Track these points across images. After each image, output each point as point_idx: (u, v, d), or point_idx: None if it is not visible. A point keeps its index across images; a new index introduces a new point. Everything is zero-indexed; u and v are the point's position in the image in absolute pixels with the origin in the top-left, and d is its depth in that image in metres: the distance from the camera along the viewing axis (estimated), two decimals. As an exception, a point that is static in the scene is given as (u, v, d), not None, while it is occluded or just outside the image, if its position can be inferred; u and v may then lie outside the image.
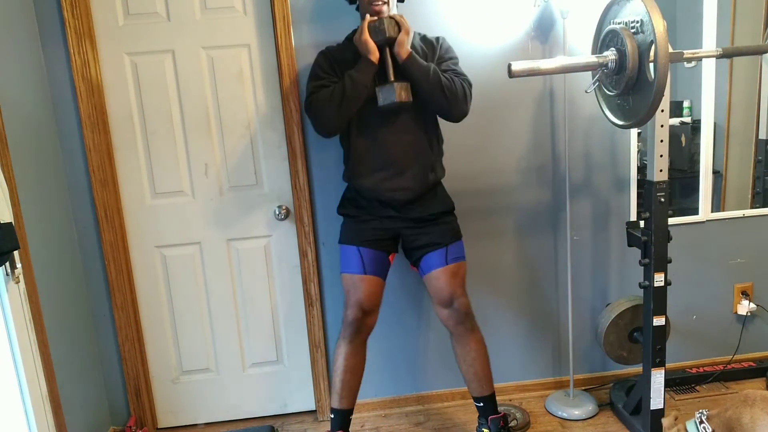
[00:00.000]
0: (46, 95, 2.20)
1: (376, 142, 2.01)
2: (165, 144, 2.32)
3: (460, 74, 2.00)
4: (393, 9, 1.99)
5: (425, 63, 1.93)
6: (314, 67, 2.05)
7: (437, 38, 2.09)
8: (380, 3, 1.92)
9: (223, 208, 2.39)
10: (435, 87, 1.91)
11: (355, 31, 2.02)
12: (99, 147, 2.25)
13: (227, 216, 2.39)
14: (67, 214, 2.29)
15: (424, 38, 2.07)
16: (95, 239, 2.33)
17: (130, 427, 2.41)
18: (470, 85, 2.01)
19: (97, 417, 2.39)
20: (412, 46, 1.94)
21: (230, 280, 2.45)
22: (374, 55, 1.89)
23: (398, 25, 1.90)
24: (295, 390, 2.56)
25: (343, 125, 2.00)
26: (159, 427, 2.54)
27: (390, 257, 2.12)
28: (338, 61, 2.01)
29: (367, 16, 1.91)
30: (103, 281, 2.36)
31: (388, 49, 1.92)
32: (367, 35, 1.89)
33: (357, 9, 2.05)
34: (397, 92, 1.87)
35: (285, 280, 2.46)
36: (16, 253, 1.76)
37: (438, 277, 2.03)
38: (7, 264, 1.74)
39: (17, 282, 1.79)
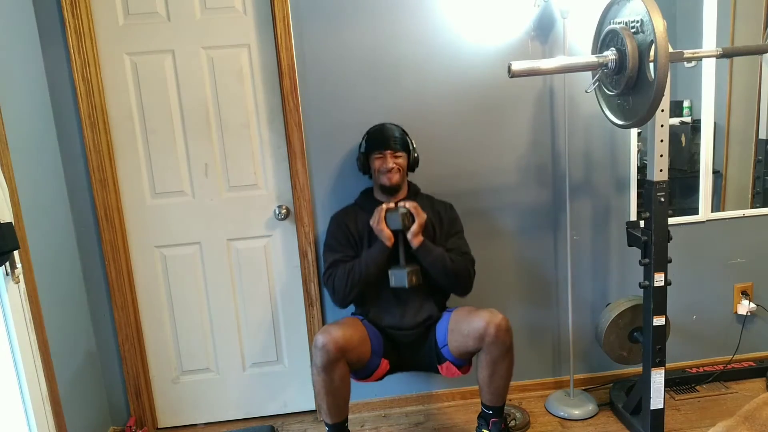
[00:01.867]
0: (46, 95, 2.20)
1: (386, 306, 2.13)
2: (165, 144, 2.32)
3: (465, 253, 2.16)
4: (404, 182, 2.17)
5: (434, 251, 2.07)
6: (329, 237, 2.21)
7: (445, 207, 2.23)
8: (391, 176, 2.09)
9: (223, 208, 2.39)
10: (442, 272, 2.07)
11: (365, 193, 2.24)
12: (99, 147, 2.25)
13: (227, 216, 2.39)
14: (67, 214, 2.29)
15: (432, 206, 2.20)
16: (95, 239, 2.33)
17: (130, 427, 2.41)
18: (473, 262, 2.16)
19: (97, 417, 2.39)
20: (425, 228, 2.06)
21: (230, 280, 2.45)
22: (390, 242, 2.04)
23: (412, 216, 2.03)
24: (295, 390, 2.56)
25: (357, 297, 2.14)
26: (159, 427, 2.54)
27: (383, 362, 2.10)
28: (351, 230, 2.17)
29: (384, 205, 2.05)
30: (103, 281, 2.36)
31: (401, 234, 2.05)
32: (383, 224, 2.03)
33: (369, 177, 2.21)
34: (408, 278, 2.03)
35: (285, 280, 2.46)
36: (16, 253, 1.76)
37: (456, 322, 2.03)
38: (7, 264, 1.74)
39: (17, 282, 1.79)
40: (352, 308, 2.24)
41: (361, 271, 2.06)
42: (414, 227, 2.02)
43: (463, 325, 1.99)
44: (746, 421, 1.48)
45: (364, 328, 2.08)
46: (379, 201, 2.14)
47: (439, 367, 2.11)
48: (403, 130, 2.18)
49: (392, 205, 2.06)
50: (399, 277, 2.04)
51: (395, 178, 2.10)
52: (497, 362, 1.95)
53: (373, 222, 2.05)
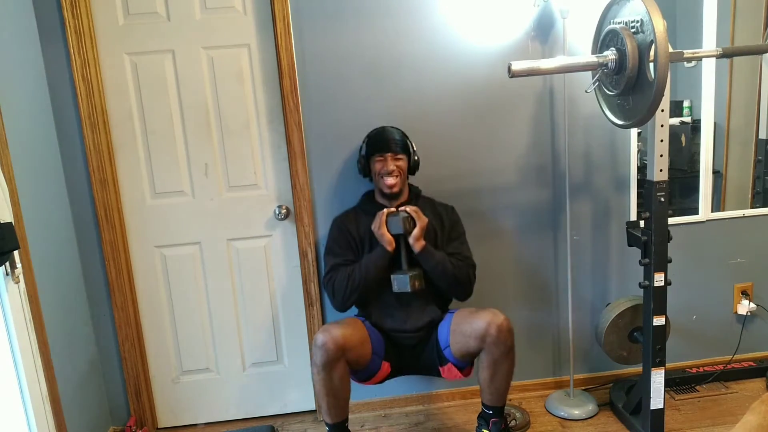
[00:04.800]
0: (46, 95, 2.20)
1: (388, 310, 2.13)
2: (165, 144, 2.32)
3: (466, 258, 2.15)
4: (405, 185, 2.16)
5: (436, 255, 2.06)
6: (329, 241, 2.20)
7: (447, 210, 2.23)
8: (392, 179, 2.09)
9: (223, 208, 2.38)
10: (443, 276, 2.07)
11: (366, 196, 2.24)
12: (99, 147, 2.25)
13: (227, 216, 2.39)
14: (67, 214, 2.29)
15: (434, 208, 2.20)
16: (95, 239, 2.33)
17: (130, 427, 2.41)
18: (474, 267, 2.16)
19: (97, 417, 2.39)
20: (426, 231, 2.05)
21: (230, 280, 2.45)
22: (391, 247, 2.03)
23: (413, 220, 2.03)
24: (295, 390, 2.56)
25: (357, 301, 2.14)
26: (159, 427, 2.54)
27: (384, 365, 2.09)
28: (352, 234, 2.16)
29: (385, 211, 2.05)
30: (103, 281, 2.36)
31: (403, 238, 2.05)
32: (384, 229, 2.02)
33: (370, 180, 2.20)
34: (411, 283, 2.02)
35: (285, 280, 2.46)
36: (16, 253, 1.76)
37: (458, 324, 2.02)
38: (7, 264, 1.74)
39: (17, 282, 1.79)
40: (354, 310, 2.23)
41: (362, 276, 2.06)
42: (416, 231, 2.02)
43: (465, 325, 1.99)
44: None
45: (364, 329, 2.08)
46: (381, 205, 2.14)
47: (440, 369, 2.10)
48: (404, 134, 2.17)
49: (393, 209, 2.06)
50: (402, 282, 2.03)
51: (396, 183, 2.10)
52: (498, 363, 1.95)
53: (374, 227, 2.06)
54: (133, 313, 2.40)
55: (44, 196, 2.13)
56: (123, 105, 2.28)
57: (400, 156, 2.12)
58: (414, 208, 2.06)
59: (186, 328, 2.47)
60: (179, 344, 2.48)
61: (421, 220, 2.03)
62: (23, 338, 1.80)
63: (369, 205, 2.19)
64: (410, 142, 2.18)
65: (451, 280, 2.08)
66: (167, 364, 2.49)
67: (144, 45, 2.25)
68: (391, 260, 2.06)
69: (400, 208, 2.06)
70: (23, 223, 1.91)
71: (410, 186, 2.23)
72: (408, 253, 2.06)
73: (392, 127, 2.18)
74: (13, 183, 1.86)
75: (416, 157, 2.19)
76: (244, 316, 2.48)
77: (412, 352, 2.14)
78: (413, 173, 2.21)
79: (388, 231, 2.03)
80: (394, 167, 2.09)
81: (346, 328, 1.97)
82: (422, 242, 2.04)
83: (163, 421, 2.54)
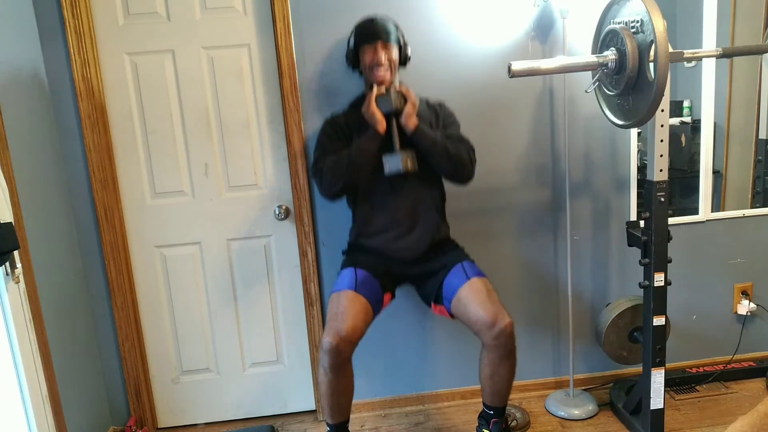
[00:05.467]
0: (46, 95, 2.20)
1: (382, 205, 2.06)
2: (165, 144, 2.32)
3: (463, 140, 2.06)
4: (396, 76, 2.05)
5: (432, 133, 1.98)
6: (320, 135, 2.11)
7: (439, 104, 2.16)
8: (383, 70, 1.98)
9: (223, 208, 2.39)
10: (443, 155, 1.98)
11: (358, 98, 2.12)
12: (99, 147, 2.25)
13: (227, 216, 2.39)
14: (67, 214, 2.29)
15: (427, 104, 2.13)
16: (95, 239, 2.33)
17: (130, 427, 2.41)
18: (473, 150, 2.06)
19: (97, 417, 2.39)
20: (418, 115, 1.98)
21: (230, 280, 2.45)
22: (381, 126, 1.95)
23: (404, 98, 1.95)
24: (295, 390, 2.56)
25: (347, 190, 2.05)
26: (159, 427, 2.54)
27: (386, 296, 2.05)
28: (344, 130, 2.07)
29: (375, 87, 1.97)
30: (103, 281, 2.36)
31: (394, 119, 1.97)
32: (374, 106, 1.94)
33: (360, 75, 2.13)
34: (403, 162, 1.93)
35: (285, 280, 2.46)
36: (16, 253, 1.76)
37: (468, 297, 1.93)
38: (7, 264, 1.74)
39: (17, 282, 1.79)
40: (350, 282, 2.03)
41: (352, 157, 1.95)
42: (407, 108, 1.93)
43: (471, 307, 1.92)
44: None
45: (362, 300, 1.96)
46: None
47: (433, 304, 2.08)
48: (395, 24, 2.07)
49: (383, 89, 1.96)
50: (393, 162, 1.92)
51: (386, 75, 1.99)
52: (497, 363, 1.94)
53: (364, 108, 1.96)
54: (133, 313, 2.40)
55: (44, 196, 2.13)
56: (123, 105, 2.28)
57: (390, 45, 2.00)
58: (404, 85, 1.97)
59: (186, 328, 2.47)
60: (179, 344, 2.48)
61: (413, 97, 1.94)
62: (23, 338, 1.80)
63: (360, 103, 2.06)
64: (401, 32, 2.08)
65: (450, 160, 1.98)
66: (167, 364, 2.50)
67: (144, 45, 2.25)
68: (383, 144, 1.96)
69: (389, 87, 1.96)
70: (23, 223, 1.91)
71: (401, 82, 2.11)
72: (401, 135, 1.97)
73: (383, 16, 2.08)
74: (13, 183, 1.87)
75: (407, 50, 2.09)
76: (244, 316, 2.48)
77: (411, 267, 2.08)
78: (404, 65, 2.12)
79: (379, 111, 1.93)
80: (385, 58, 1.98)
81: (349, 320, 1.88)
82: (415, 120, 1.94)
83: (163, 421, 2.54)
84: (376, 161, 1.97)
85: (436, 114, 2.13)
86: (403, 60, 2.10)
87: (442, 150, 1.97)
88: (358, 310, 1.93)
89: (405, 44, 2.09)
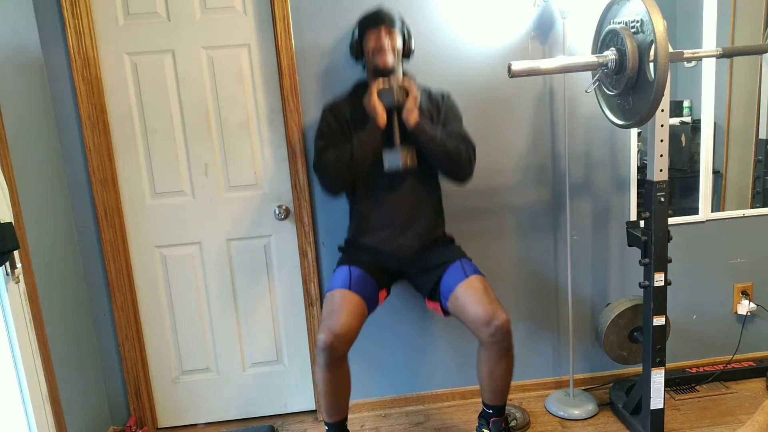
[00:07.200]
0: (46, 95, 2.20)
1: (380, 202, 2.06)
2: (165, 144, 2.32)
3: (464, 138, 2.05)
4: (399, 67, 2.04)
5: (432, 130, 1.97)
6: (321, 124, 2.10)
7: (443, 95, 2.14)
8: (386, 54, 1.96)
9: (223, 208, 2.39)
10: (441, 153, 1.97)
11: (359, 84, 2.11)
12: (99, 147, 2.25)
13: (227, 216, 2.39)
14: (67, 214, 2.29)
15: (429, 95, 2.12)
16: (95, 239, 2.33)
17: (130, 427, 2.41)
18: (474, 148, 2.05)
19: (97, 417, 2.39)
20: (419, 109, 1.97)
21: (230, 280, 2.45)
22: (382, 120, 1.94)
23: (406, 92, 1.94)
24: (295, 390, 2.56)
25: (349, 185, 2.06)
26: (159, 427, 2.54)
27: (381, 293, 2.06)
28: (344, 118, 2.06)
29: (378, 81, 1.96)
30: (103, 281, 2.36)
31: (396, 114, 1.96)
32: (376, 100, 1.93)
33: (363, 68, 2.13)
34: (402, 158, 1.93)
35: (285, 280, 2.46)
36: (16, 253, 1.77)
37: (466, 295, 1.93)
38: (7, 264, 1.74)
39: (17, 282, 1.79)
40: (344, 281, 2.03)
41: (353, 153, 1.95)
42: (409, 103, 1.92)
43: (468, 305, 1.91)
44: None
45: (357, 299, 1.96)
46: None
47: (428, 300, 2.09)
48: (401, 16, 2.08)
49: (385, 82, 1.96)
50: (393, 159, 1.93)
51: (390, 59, 1.97)
52: (495, 361, 1.94)
53: (365, 100, 1.96)
54: (133, 313, 2.40)
55: (44, 196, 2.13)
56: (123, 105, 2.28)
57: (394, 31, 2.00)
58: (407, 78, 1.97)
59: (186, 328, 2.47)
60: (179, 344, 2.48)
61: (415, 92, 1.94)
62: (23, 338, 1.81)
63: (361, 90, 2.07)
64: (407, 25, 2.08)
65: (449, 157, 1.98)
66: (167, 364, 2.50)
67: (144, 45, 2.25)
68: (383, 138, 1.96)
69: (392, 80, 1.96)
70: (23, 223, 1.91)
71: (404, 72, 2.11)
72: (401, 130, 1.97)
73: (387, 7, 2.09)
74: (13, 183, 1.87)
75: (412, 43, 2.08)
76: (244, 316, 2.48)
77: (408, 265, 2.09)
78: (408, 57, 2.11)
79: (380, 104, 1.93)
80: (389, 43, 1.97)
81: (343, 318, 1.88)
82: (416, 115, 1.93)
83: (163, 421, 2.54)
84: (376, 155, 1.97)
85: (438, 107, 2.11)
86: (407, 52, 2.09)
87: (441, 148, 1.97)
88: (352, 309, 1.93)
89: (409, 36, 2.09)
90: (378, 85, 1.96)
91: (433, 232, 2.12)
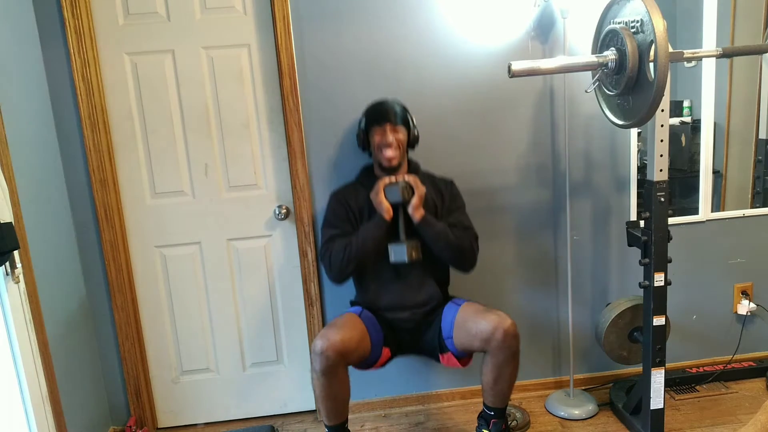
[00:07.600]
0: (46, 95, 2.20)
1: (387, 287, 2.12)
2: (165, 144, 2.32)
3: (467, 228, 2.13)
4: (404, 159, 2.12)
5: (437, 225, 2.04)
6: (328, 213, 2.18)
7: (447, 184, 2.20)
8: (391, 151, 2.04)
9: (223, 208, 2.39)
10: (445, 247, 2.04)
11: (366, 170, 2.20)
12: (99, 147, 2.25)
13: (227, 216, 2.39)
14: (67, 214, 2.29)
15: (434, 183, 2.18)
16: (95, 239, 2.33)
17: (130, 427, 2.41)
18: (476, 238, 2.14)
19: (97, 417, 2.39)
20: (424, 201, 2.03)
21: (230, 280, 2.45)
22: (388, 215, 2.00)
23: (412, 189, 2.00)
24: (295, 390, 2.56)
25: (354, 274, 2.12)
26: (159, 427, 2.54)
27: (385, 349, 2.08)
28: (351, 207, 2.14)
29: (384, 179, 2.03)
30: (103, 281, 2.36)
31: (401, 208, 2.02)
32: (382, 196, 2.00)
33: (369, 156, 2.18)
34: (408, 252, 1.98)
35: (285, 280, 2.46)
36: (16, 253, 1.76)
37: (465, 317, 1.99)
38: (7, 264, 1.74)
39: (17, 282, 1.79)
40: (349, 297, 2.22)
41: (359, 246, 2.02)
42: (414, 200, 1.99)
43: (471, 324, 1.96)
44: None
45: (362, 326, 2.04)
46: (380, 178, 2.10)
47: (440, 356, 2.09)
48: (404, 107, 2.14)
49: (391, 178, 2.03)
50: (399, 252, 1.98)
51: (395, 156, 2.05)
52: (502, 366, 1.94)
53: (372, 194, 2.03)
54: (133, 313, 2.40)
55: (44, 196, 2.13)
56: (123, 105, 2.28)
57: (399, 128, 2.07)
58: (413, 176, 2.03)
59: (186, 328, 2.47)
60: (179, 344, 2.48)
61: (420, 189, 2.00)
62: (23, 338, 1.80)
63: (368, 178, 2.15)
64: (410, 115, 2.14)
65: (453, 251, 2.05)
66: (167, 364, 2.49)
67: (144, 45, 2.25)
68: (389, 231, 2.02)
69: (398, 177, 2.03)
70: (23, 223, 1.91)
71: (409, 160, 2.19)
72: (407, 224, 2.02)
73: (392, 99, 2.16)
74: (13, 183, 1.87)
75: (416, 132, 2.15)
76: (244, 316, 2.48)
77: (412, 335, 2.12)
78: (413, 147, 2.18)
79: (386, 200, 2.00)
80: (393, 139, 2.04)
81: (344, 331, 1.93)
82: (422, 211, 2.00)
83: (163, 421, 2.54)
84: (382, 247, 2.03)
85: (442, 194, 2.17)
86: (412, 142, 2.15)
87: (447, 241, 2.04)
88: (353, 331, 1.98)
89: (414, 126, 2.15)
90: (384, 182, 2.02)
91: (437, 302, 2.14)
